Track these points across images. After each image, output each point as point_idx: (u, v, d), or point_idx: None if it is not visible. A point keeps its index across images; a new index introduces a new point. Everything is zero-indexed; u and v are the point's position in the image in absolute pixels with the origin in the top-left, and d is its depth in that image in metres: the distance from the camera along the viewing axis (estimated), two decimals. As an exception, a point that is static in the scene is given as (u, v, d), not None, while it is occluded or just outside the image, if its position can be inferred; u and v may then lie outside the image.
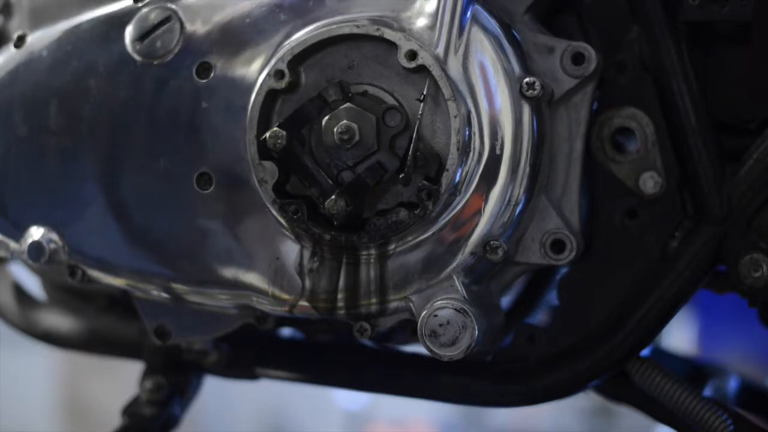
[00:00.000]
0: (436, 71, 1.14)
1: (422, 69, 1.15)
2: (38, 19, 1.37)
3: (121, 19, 1.28)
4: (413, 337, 1.24)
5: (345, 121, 1.15)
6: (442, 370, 1.37)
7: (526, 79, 1.17)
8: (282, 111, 1.20)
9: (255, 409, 4.45)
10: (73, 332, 1.59)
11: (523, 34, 1.21)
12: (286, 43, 1.20)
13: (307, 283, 1.22)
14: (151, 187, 1.26)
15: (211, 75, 1.23)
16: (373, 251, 1.20)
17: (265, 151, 1.18)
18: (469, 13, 1.16)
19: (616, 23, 1.29)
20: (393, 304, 1.21)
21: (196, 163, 1.24)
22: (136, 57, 1.26)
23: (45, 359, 4.04)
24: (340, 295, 1.22)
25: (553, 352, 1.32)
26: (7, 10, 1.46)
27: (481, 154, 1.16)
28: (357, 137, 1.15)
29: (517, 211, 1.19)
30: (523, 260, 1.23)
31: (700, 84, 1.25)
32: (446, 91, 1.14)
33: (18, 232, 1.33)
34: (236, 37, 1.23)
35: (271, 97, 1.19)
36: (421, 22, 1.17)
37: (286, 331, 1.50)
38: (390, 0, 1.18)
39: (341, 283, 1.21)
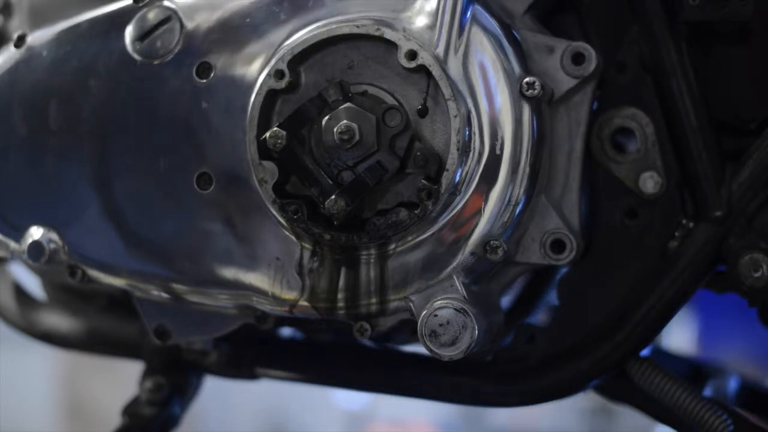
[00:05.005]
0: (436, 71, 1.14)
1: (422, 69, 1.15)
2: (38, 19, 1.37)
3: (121, 18, 1.28)
4: (413, 337, 1.25)
5: (345, 121, 1.15)
6: (442, 370, 1.37)
7: (526, 79, 1.17)
8: (282, 111, 1.20)
9: (255, 409, 4.45)
10: (73, 332, 1.59)
11: (523, 34, 1.21)
12: (286, 43, 1.20)
13: (307, 282, 1.22)
14: (151, 188, 1.26)
15: (211, 75, 1.23)
16: (373, 251, 1.20)
17: (265, 151, 1.18)
18: (469, 13, 1.16)
19: (616, 23, 1.29)
20: (393, 304, 1.21)
21: (196, 163, 1.24)
22: (136, 57, 1.26)
23: (45, 359, 4.04)
24: (340, 295, 1.22)
25: (553, 352, 1.32)
26: (7, 10, 1.47)
27: (481, 154, 1.16)
28: (357, 137, 1.15)
29: (517, 211, 1.19)
30: (523, 260, 1.23)
31: (700, 84, 1.25)
32: (446, 91, 1.14)
33: (18, 232, 1.33)
34: (236, 37, 1.23)
35: (271, 97, 1.19)
36: (421, 22, 1.17)
37: (286, 331, 1.50)
38: (390, 0, 1.18)
39: (341, 283, 1.21)
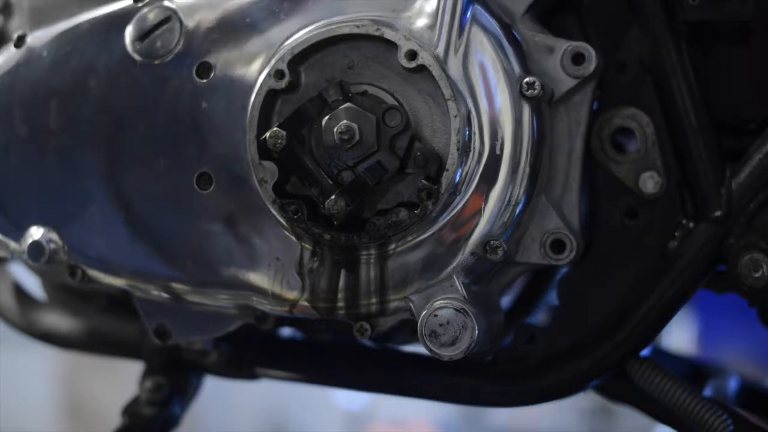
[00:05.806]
0: (436, 71, 1.14)
1: (422, 69, 1.15)
2: (38, 19, 1.37)
3: (121, 18, 1.28)
4: (413, 337, 1.25)
5: (345, 121, 1.15)
6: (442, 370, 1.37)
7: (526, 79, 1.17)
8: (282, 111, 1.20)
9: (255, 409, 4.45)
10: (73, 332, 1.59)
11: (523, 34, 1.21)
12: (286, 43, 1.20)
13: (307, 282, 1.22)
14: (151, 187, 1.26)
15: (211, 75, 1.23)
16: (373, 251, 1.20)
17: (265, 151, 1.18)
18: (469, 13, 1.16)
19: (616, 23, 1.29)
20: (393, 304, 1.21)
21: (196, 163, 1.24)
22: (136, 57, 1.26)
23: (45, 359, 4.04)
24: (340, 295, 1.22)
25: (553, 352, 1.32)
26: (7, 10, 1.46)
27: (481, 154, 1.16)
28: (357, 137, 1.15)
29: (517, 211, 1.19)
30: (523, 260, 1.23)
31: (700, 84, 1.25)
32: (446, 91, 1.14)
33: (18, 232, 1.33)
34: (236, 37, 1.23)
35: (271, 97, 1.19)
36: (421, 22, 1.17)
37: (286, 331, 1.50)
38: (390, 0, 1.18)
39: (341, 283, 1.21)
